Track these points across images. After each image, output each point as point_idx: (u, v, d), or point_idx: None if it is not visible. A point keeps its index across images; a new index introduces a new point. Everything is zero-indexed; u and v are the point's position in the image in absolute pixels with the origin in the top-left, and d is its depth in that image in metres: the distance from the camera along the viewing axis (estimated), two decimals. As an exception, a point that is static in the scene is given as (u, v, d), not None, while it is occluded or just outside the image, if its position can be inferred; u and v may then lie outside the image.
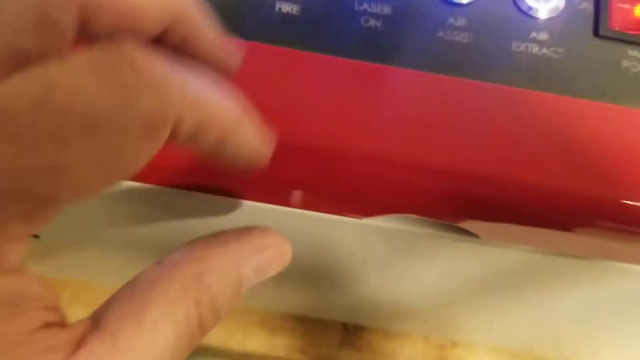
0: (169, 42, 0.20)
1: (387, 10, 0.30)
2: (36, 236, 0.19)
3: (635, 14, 0.32)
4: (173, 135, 0.17)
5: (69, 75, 0.15)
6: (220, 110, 0.18)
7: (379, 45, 0.30)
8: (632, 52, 0.31)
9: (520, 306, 0.46)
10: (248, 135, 0.19)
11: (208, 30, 0.21)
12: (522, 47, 0.30)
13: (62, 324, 0.17)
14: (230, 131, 0.18)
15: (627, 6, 0.32)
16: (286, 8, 0.30)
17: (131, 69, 0.16)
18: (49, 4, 0.16)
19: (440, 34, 0.30)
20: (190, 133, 0.17)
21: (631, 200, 0.29)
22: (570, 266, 0.36)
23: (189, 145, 0.18)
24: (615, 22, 0.32)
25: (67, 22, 0.17)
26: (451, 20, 0.30)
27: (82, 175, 0.16)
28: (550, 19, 0.31)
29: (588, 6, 0.32)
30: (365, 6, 0.30)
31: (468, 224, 0.30)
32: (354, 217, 0.31)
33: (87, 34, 0.18)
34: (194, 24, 0.20)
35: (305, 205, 0.31)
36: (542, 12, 0.31)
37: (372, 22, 0.30)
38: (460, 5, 0.31)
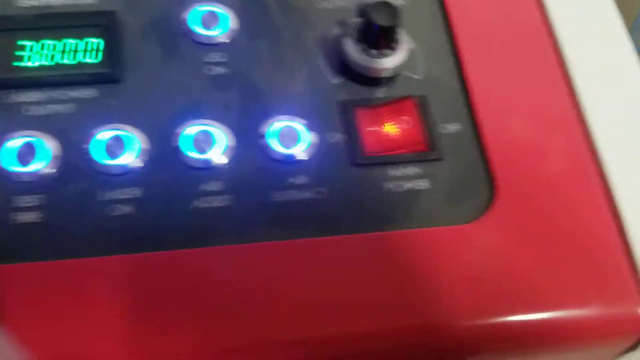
0: None
1: (137, 193, 0.29)
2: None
3: (387, 132, 0.33)
4: None
5: None
6: None
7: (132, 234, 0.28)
8: (392, 171, 0.32)
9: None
10: None
11: None
12: (283, 196, 0.30)
13: None
14: None
15: (375, 128, 0.32)
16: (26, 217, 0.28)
17: None
18: None
19: (195, 203, 0.29)
20: None
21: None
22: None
23: None
24: (370, 146, 0.32)
25: None
26: (203, 186, 0.30)
27: None
28: (306, 161, 0.31)
29: (341, 137, 0.32)
30: (112, 195, 0.29)
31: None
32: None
33: None
34: None
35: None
36: (296, 156, 0.31)
37: (122, 209, 0.29)
38: (215, 168, 0.30)
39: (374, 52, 0.33)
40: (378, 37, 0.32)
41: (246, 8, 0.34)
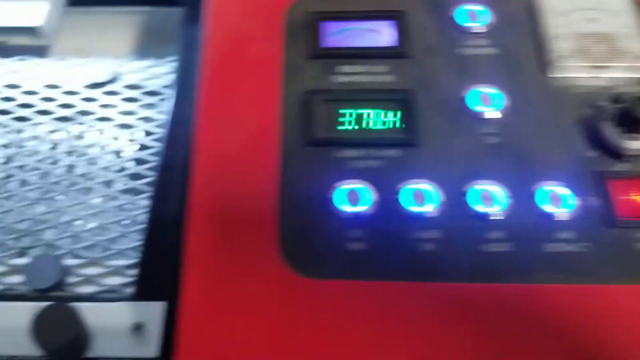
0: None
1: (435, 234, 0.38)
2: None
3: (635, 201, 0.39)
4: None
5: None
6: None
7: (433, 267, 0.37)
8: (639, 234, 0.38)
9: None
10: None
11: None
12: (551, 247, 0.37)
13: None
14: None
15: (625, 197, 0.39)
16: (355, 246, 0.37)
17: None
18: None
19: (480, 247, 0.37)
20: None
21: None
22: None
23: None
24: (620, 211, 0.38)
25: None
26: (486, 233, 0.37)
27: None
28: (569, 219, 0.38)
29: (596, 202, 0.39)
30: (417, 235, 0.38)
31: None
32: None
33: None
34: None
35: None
36: (561, 214, 0.38)
37: (425, 247, 0.37)
38: (494, 219, 0.38)
39: (627, 134, 0.39)
40: (634, 124, 0.39)
41: (514, 89, 0.42)
